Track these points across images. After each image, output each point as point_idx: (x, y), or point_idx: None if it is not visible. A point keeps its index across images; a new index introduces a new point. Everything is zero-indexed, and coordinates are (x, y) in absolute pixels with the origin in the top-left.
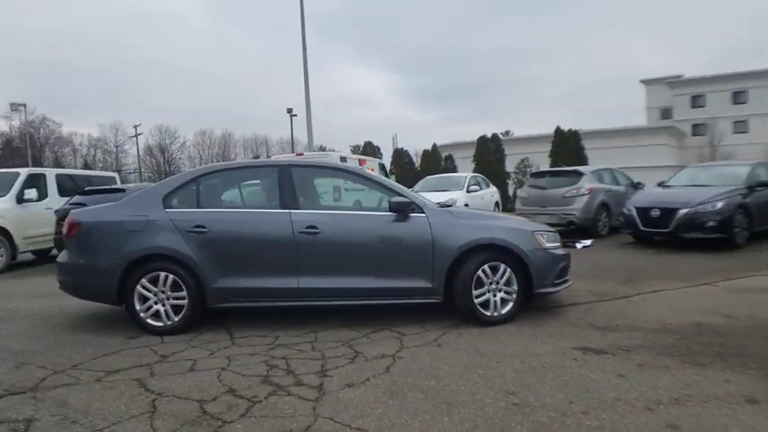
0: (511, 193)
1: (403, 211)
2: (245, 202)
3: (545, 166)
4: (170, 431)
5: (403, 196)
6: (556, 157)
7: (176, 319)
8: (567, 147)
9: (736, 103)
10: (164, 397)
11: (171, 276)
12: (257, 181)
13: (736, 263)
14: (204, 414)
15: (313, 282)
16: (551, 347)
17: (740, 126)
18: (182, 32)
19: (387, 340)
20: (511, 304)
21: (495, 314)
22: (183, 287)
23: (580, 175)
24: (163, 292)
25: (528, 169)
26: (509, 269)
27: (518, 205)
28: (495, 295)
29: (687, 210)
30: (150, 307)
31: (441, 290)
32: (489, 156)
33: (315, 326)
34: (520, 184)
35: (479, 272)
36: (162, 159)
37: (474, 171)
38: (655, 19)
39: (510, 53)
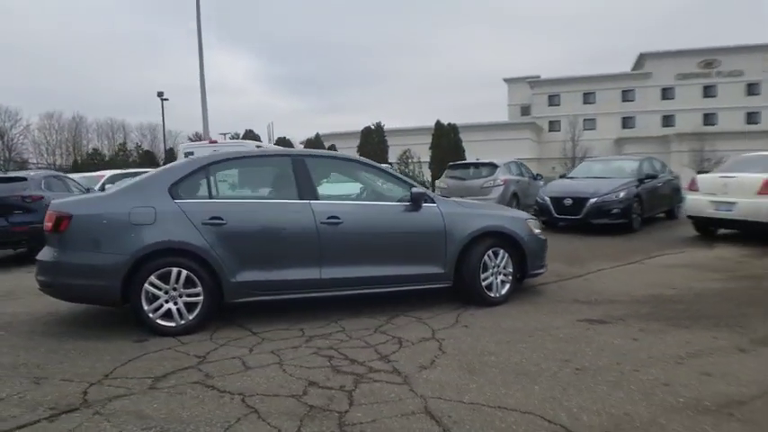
0: None
1: (420, 201)
2: (259, 193)
3: (426, 157)
4: (295, 428)
5: (416, 186)
6: (437, 149)
7: (190, 317)
8: (448, 139)
9: (586, 102)
10: (250, 397)
11: (184, 272)
12: (269, 170)
13: (642, 244)
14: (312, 408)
15: (336, 272)
16: (561, 321)
17: (589, 123)
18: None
19: (412, 325)
20: (508, 285)
21: (497, 295)
22: (198, 283)
23: (495, 167)
24: (174, 289)
25: (410, 160)
26: (507, 254)
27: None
28: (496, 278)
29: (596, 199)
30: (160, 306)
31: (452, 275)
32: (373, 146)
33: (331, 316)
34: (404, 175)
35: (485, 257)
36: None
37: None
38: (518, 21)
39: (377, 47)
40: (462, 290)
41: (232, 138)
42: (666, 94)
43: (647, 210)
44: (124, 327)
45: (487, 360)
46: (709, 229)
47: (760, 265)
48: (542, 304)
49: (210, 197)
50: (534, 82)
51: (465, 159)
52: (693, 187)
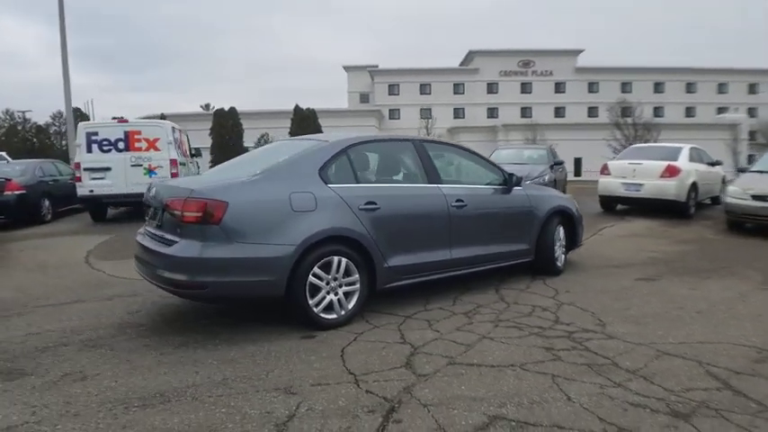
0: None
1: (514, 184)
2: (394, 177)
3: None
4: (637, 367)
5: (505, 171)
6: (296, 134)
7: (350, 307)
8: (307, 124)
9: (423, 93)
10: (510, 366)
11: (344, 260)
12: (396, 155)
13: None
14: (606, 361)
15: (460, 252)
16: (625, 281)
17: (425, 113)
18: None
19: (524, 295)
20: (564, 257)
21: (561, 266)
22: (356, 271)
23: None
24: (335, 279)
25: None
26: (563, 228)
27: None
28: (560, 250)
29: (529, 181)
30: (323, 298)
31: (533, 250)
32: (227, 129)
33: (425, 296)
34: None
35: (556, 232)
36: None
37: (212, 146)
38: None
39: (193, 25)
40: (539, 262)
41: (161, 117)
42: (491, 88)
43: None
44: (269, 325)
45: (626, 314)
46: (612, 206)
47: (684, 232)
48: (586, 271)
49: (357, 181)
50: (375, 71)
51: None
52: (606, 171)
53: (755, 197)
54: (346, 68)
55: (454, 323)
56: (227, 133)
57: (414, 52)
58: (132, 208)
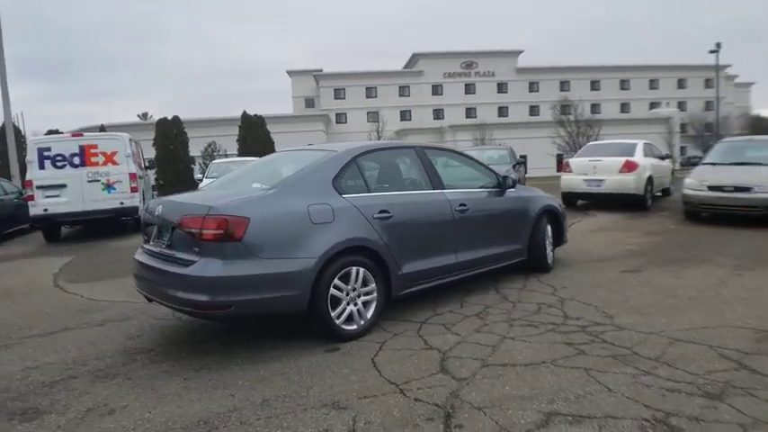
0: (197, 176)
1: (509, 186)
2: (400, 184)
3: (233, 150)
4: (657, 354)
5: (498, 174)
6: (245, 141)
7: (368, 317)
8: (256, 131)
9: (369, 96)
10: (541, 364)
11: (361, 270)
12: (399, 162)
13: None
14: (627, 351)
15: (465, 255)
16: (611, 274)
17: (373, 116)
18: None
19: (524, 292)
20: (552, 253)
21: (550, 262)
22: (373, 280)
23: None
24: (354, 289)
25: (216, 153)
26: (549, 226)
27: None
28: (548, 247)
29: None
30: (343, 310)
31: (526, 249)
32: (171, 139)
33: (432, 301)
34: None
35: (546, 230)
36: None
37: (156, 157)
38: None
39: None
40: (532, 261)
41: (101, 130)
42: (436, 90)
43: None
44: (286, 341)
45: (626, 305)
46: (573, 202)
47: (648, 224)
48: (572, 267)
49: (369, 191)
50: (320, 75)
51: (275, 151)
52: (567, 169)
53: (711, 188)
54: (290, 73)
55: (470, 325)
56: (171, 143)
57: (357, 56)
58: (85, 226)
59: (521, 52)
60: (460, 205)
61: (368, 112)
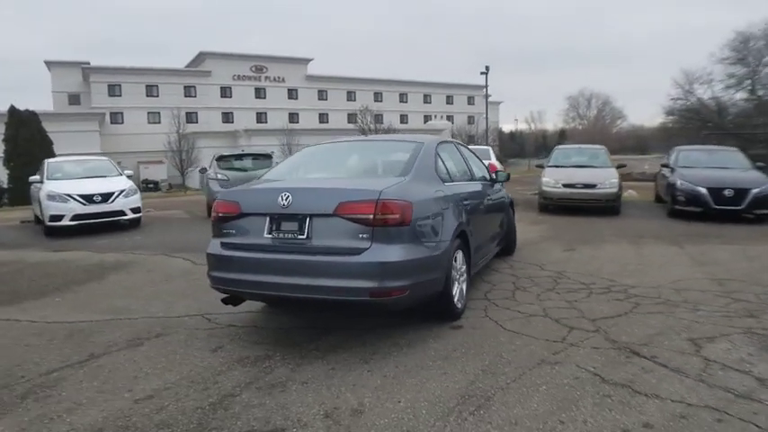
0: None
1: (505, 180)
2: (460, 174)
3: None
4: (684, 299)
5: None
6: (14, 140)
7: (464, 295)
8: (29, 129)
9: (150, 95)
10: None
11: (460, 252)
12: (455, 154)
13: None
14: (662, 299)
15: (489, 237)
16: (558, 253)
17: (153, 117)
18: None
19: (525, 272)
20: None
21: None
22: (464, 261)
23: (269, 157)
24: (458, 270)
25: None
26: None
27: (216, 187)
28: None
29: None
30: (456, 289)
31: (504, 235)
32: None
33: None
34: None
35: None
36: None
37: None
38: None
39: None
40: (509, 245)
41: None
42: (225, 92)
43: None
44: (404, 329)
45: (613, 270)
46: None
47: (521, 216)
48: (521, 250)
49: (451, 180)
50: (90, 69)
51: (54, 152)
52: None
53: (566, 185)
54: (50, 64)
55: (543, 295)
56: None
57: (134, 51)
58: None
59: (310, 60)
60: (486, 192)
61: (148, 113)
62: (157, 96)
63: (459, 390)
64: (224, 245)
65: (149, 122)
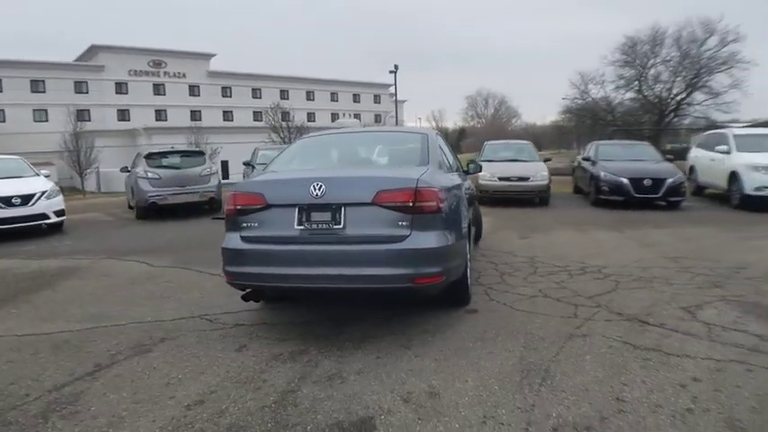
0: None
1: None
2: (451, 165)
3: None
4: (654, 275)
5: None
6: None
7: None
8: None
9: (35, 91)
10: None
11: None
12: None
13: None
14: (641, 276)
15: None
16: (516, 240)
17: (40, 115)
18: None
19: (498, 258)
20: None
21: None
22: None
23: (202, 154)
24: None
25: None
26: None
27: (147, 187)
28: None
29: None
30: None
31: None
32: None
33: None
34: None
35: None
36: None
37: None
38: None
39: None
40: (477, 233)
41: None
42: (121, 88)
43: None
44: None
45: (579, 254)
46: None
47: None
48: (483, 238)
49: (451, 170)
50: None
51: None
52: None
53: (501, 179)
54: None
55: (529, 278)
56: None
57: (15, 44)
58: None
59: (213, 55)
60: (467, 184)
61: (34, 110)
62: (44, 92)
63: (514, 365)
64: (245, 238)
65: (35, 120)
